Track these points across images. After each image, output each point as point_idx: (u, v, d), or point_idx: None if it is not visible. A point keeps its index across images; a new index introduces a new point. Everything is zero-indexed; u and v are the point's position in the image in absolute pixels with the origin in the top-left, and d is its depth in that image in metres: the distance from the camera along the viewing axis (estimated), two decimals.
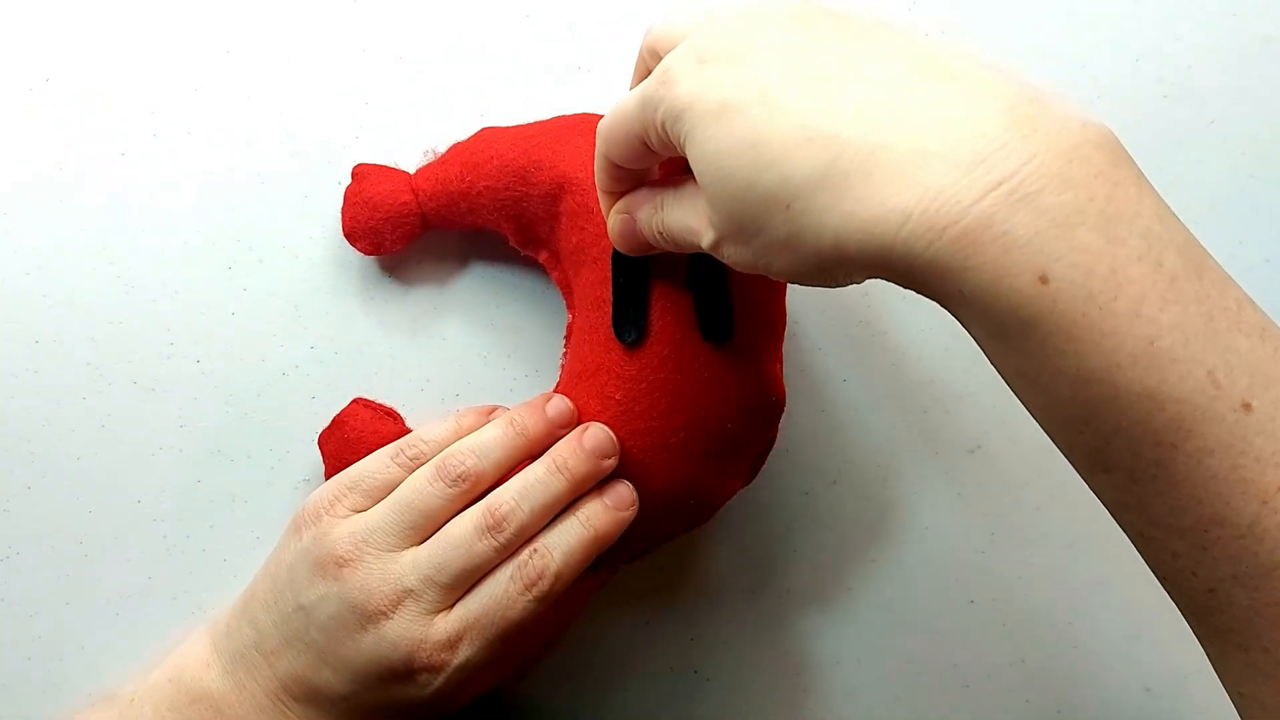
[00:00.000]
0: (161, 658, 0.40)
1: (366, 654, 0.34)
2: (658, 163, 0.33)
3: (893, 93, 0.25)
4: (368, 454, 0.38)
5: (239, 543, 0.42)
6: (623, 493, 0.36)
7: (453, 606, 0.35)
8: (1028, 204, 0.23)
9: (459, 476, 0.35)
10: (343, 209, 0.40)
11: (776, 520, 0.43)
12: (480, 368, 0.42)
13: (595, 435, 0.36)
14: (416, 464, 0.37)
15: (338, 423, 0.40)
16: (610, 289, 0.36)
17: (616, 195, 0.34)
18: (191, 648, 0.39)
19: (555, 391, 0.38)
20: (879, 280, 0.42)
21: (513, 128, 0.39)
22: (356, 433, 0.40)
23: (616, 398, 0.36)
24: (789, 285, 0.38)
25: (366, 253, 0.40)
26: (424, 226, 0.40)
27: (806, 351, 0.43)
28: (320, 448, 0.40)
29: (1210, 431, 0.23)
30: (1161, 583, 0.27)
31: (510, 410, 0.37)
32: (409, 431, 0.40)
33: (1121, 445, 0.24)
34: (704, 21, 0.29)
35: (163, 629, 0.42)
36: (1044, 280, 0.23)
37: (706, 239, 0.29)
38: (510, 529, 0.35)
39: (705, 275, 0.35)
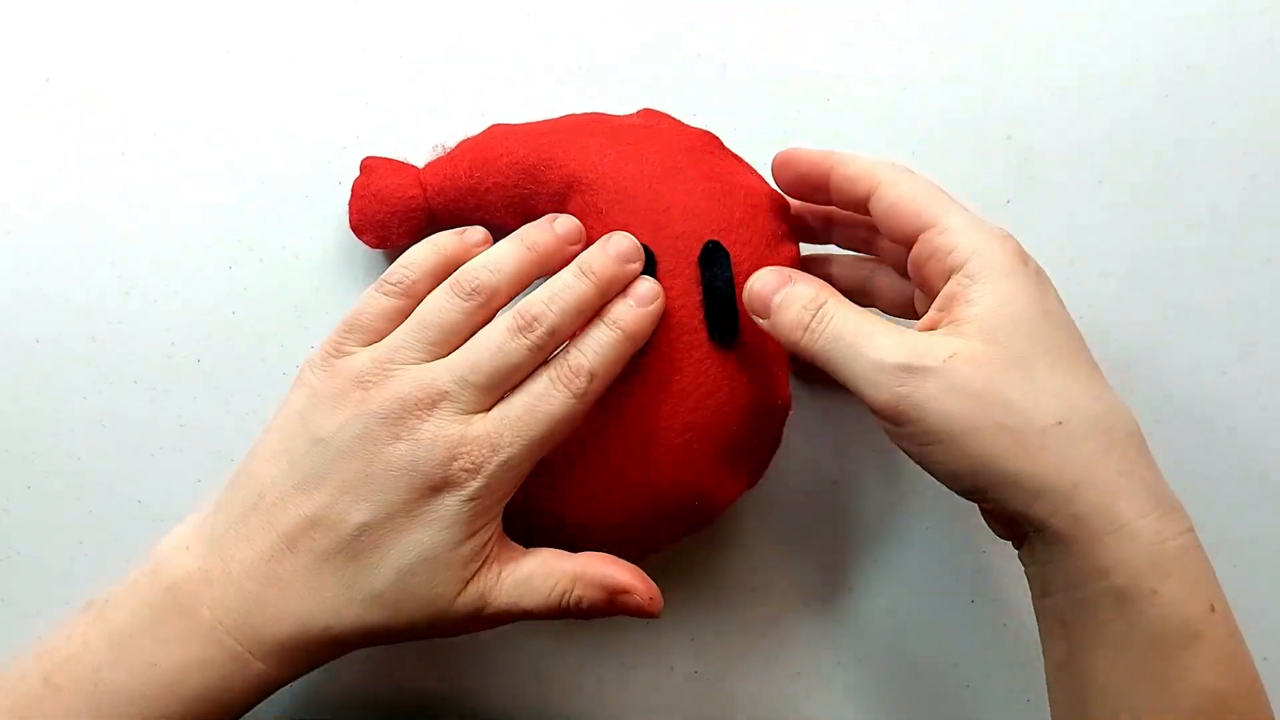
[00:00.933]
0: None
1: (399, 464, 0.32)
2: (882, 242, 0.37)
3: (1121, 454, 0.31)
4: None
5: None
6: (645, 288, 0.35)
7: (490, 409, 0.33)
8: (1200, 547, 0.31)
9: (474, 289, 0.34)
10: (350, 201, 0.40)
11: (777, 520, 0.43)
12: None
13: (619, 240, 0.35)
14: (402, 288, 0.35)
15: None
16: None
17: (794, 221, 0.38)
18: (172, 534, 0.35)
19: None
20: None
21: (523, 125, 0.39)
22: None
23: (623, 398, 0.36)
24: None
25: (372, 246, 0.40)
26: (431, 222, 0.40)
27: None
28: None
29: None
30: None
31: (518, 230, 0.37)
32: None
33: None
34: (1017, 259, 0.33)
35: None
36: (1213, 609, 0.30)
37: (891, 396, 0.31)
38: (542, 328, 0.34)
39: (714, 277, 0.35)
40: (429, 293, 0.35)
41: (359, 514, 0.32)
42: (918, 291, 0.37)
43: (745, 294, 0.35)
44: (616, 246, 0.35)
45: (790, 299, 0.34)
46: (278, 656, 0.33)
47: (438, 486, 0.32)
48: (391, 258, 0.42)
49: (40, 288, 0.42)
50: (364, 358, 0.34)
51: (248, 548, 0.33)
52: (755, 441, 0.37)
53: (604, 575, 0.35)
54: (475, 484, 0.32)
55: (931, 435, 0.31)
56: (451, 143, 0.40)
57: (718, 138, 0.39)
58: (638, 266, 0.35)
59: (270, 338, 0.42)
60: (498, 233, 0.40)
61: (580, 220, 0.37)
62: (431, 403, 0.33)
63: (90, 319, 0.42)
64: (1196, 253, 0.43)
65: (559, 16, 0.43)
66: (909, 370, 0.31)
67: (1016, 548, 0.34)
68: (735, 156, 0.39)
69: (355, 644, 0.33)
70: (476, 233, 0.37)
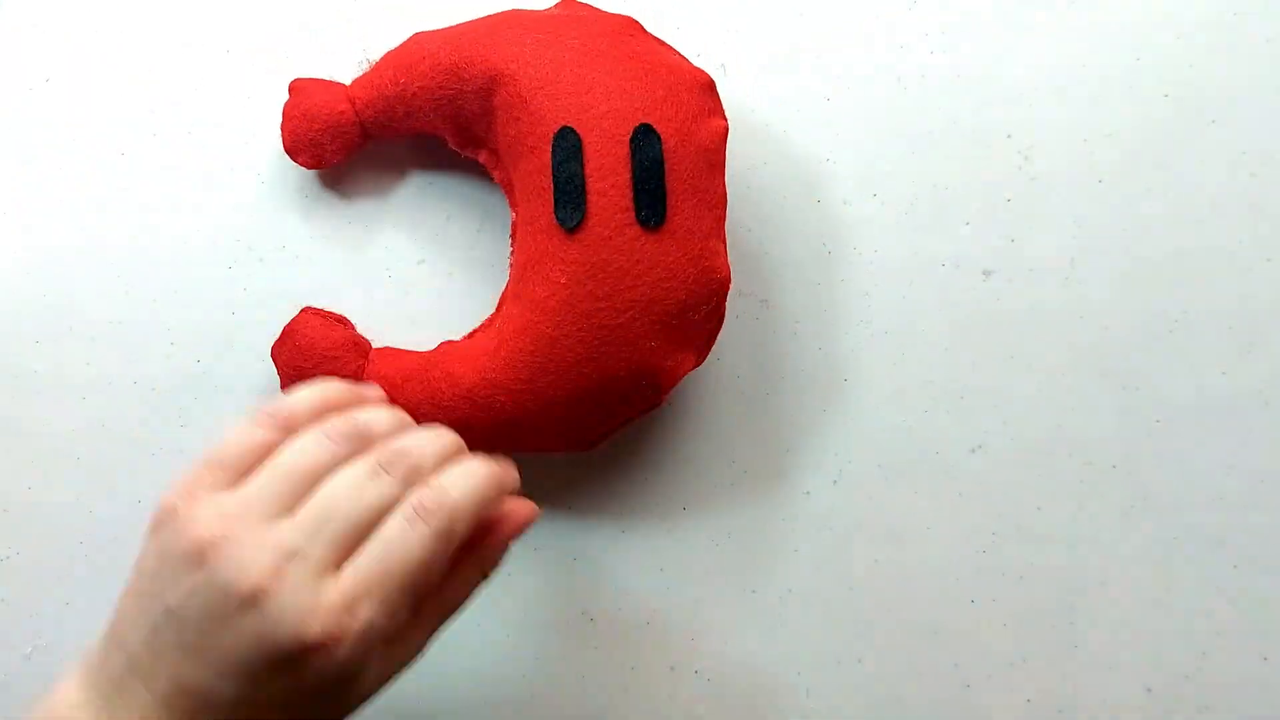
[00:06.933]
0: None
1: (248, 641, 0.29)
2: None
3: None
4: (321, 361, 0.39)
5: None
6: (510, 468, 0.33)
7: (343, 567, 0.30)
8: None
9: (349, 434, 0.31)
10: (281, 124, 0.40)
11: (777, 520, 0.43)
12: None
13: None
14: (280, 421, 0.32)
15: (288, 332, 0.40)
16: (548, 177, 0.36)
17: None
18: (61, 688, 0.32)
19: (506, 290, 0.38)
20: (879, 279, 0.42)
21: (443, 29, 0.40)
22: (308, 340, 0.40)
23: (561, 281, 0.36)
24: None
25: (308, 167, 0.41)
26: (363, 136, 0.40)
27: (806, 351, 0.43)
28: (274, 360, 0.40)
29: None
30: None
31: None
32: (358, 336, 0.40)
33: None
34: None
35: None
36: None
37: None
38: (404, 464, 0.31)
39: (642, 159, 0.36)
40: None
41: (226, 688, 0.29)
42: None
43: None
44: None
45: None
46: None
47: (296, 659, 0.29)
48: (386, 263, 0.42)
49: (40, 287, 0.42)
50: (210, 512, 0.30)
51: (133, 714, 0.30)
52: (695, 318, 0.37)
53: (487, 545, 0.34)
54: (338, 657, 0.29)
55: None
56: (376, 55, 0.40)
57: (638, 22, 0.39)
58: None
59: (270, 338, 0.42)
60: (431, 141, 0.40)
61: (507, 112, 0.37)
62: (277, 568, 0.29)
63: (90, 319, 0.42)
64: (1196, 253, 0.43)
65: None
66: None
67: None
68: (656, 39, 0.39)
69: None
70: (373, 391, 0.36)
